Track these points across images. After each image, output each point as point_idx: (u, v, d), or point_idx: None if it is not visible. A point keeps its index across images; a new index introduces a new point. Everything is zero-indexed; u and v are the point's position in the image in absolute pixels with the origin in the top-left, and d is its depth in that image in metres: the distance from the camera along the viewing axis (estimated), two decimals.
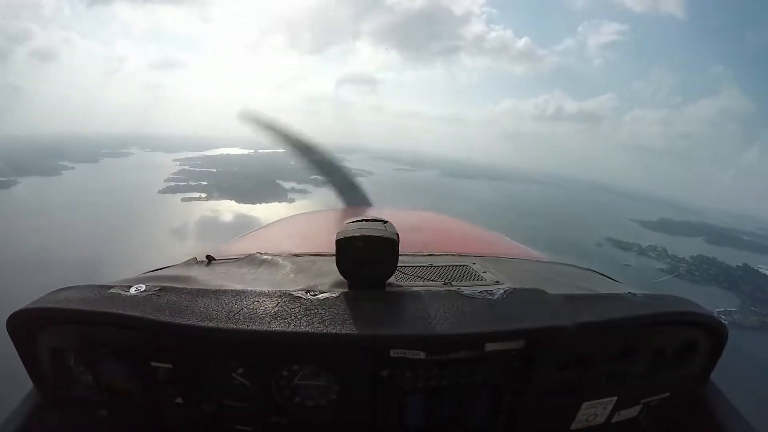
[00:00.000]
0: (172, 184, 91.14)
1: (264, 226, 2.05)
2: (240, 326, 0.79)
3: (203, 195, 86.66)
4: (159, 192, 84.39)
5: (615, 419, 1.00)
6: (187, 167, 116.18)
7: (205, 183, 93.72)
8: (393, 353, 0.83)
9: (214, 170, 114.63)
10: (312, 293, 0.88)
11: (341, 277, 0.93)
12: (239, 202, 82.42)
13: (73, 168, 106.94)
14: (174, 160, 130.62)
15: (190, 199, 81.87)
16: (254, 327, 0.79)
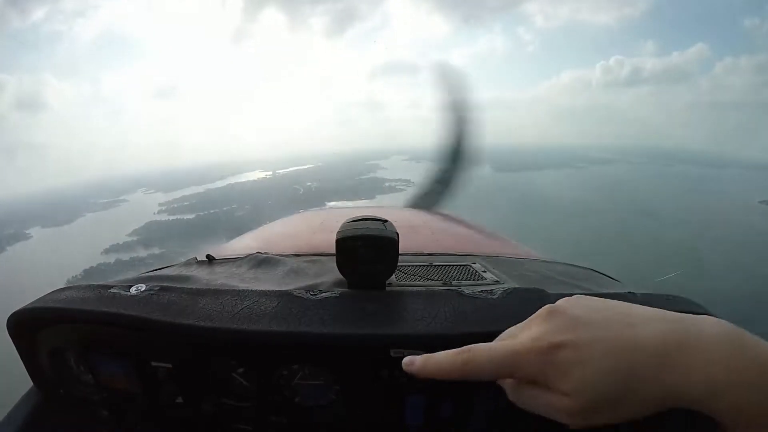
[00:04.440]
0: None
1: (264, 226, 2.03)
2: (240, 326, 0.78)
3: None
4: None
5: None
6: (161, 217, 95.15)
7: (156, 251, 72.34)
8: (393, 353, 0.82)
9: (191, 216, 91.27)
10: (312, 293, 0.87)
11: (341, 277, 0.93)
12: None
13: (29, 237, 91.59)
14: (160, 205, 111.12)
15: None
16: (254, 327, 0.78)
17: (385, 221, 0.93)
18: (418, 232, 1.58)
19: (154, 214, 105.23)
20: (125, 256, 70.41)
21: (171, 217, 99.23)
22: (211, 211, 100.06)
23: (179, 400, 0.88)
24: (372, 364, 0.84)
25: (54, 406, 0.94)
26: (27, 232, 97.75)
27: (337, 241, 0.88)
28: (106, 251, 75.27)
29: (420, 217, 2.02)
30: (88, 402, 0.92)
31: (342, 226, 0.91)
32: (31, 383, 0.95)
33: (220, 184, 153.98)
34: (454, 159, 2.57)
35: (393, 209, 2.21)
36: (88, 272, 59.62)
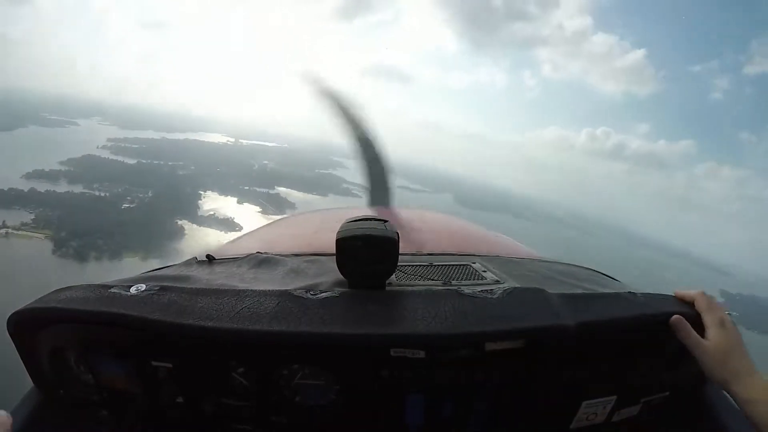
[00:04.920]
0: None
1: (264, 226, 2.05)
2: (240, 326, 0.78)
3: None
4: None
5: (615, 418, 1.01)
6: (102, 153, 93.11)
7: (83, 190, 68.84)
8: (393, 353, 0.83)
9: (132, 162, 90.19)
10: (312, 293, 0.87)
11: (341, 277, 0.93)
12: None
13: None
14: (108, 140, 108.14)
15: None
16: (254, 327, 0.78)
17: (386, 221, 0.93)
18: (418, 232, 1.59)
19: (97, 147, 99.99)
20: (43, 187, 65.42)
21: (112, 156, 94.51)
22: (155, 162, 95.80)
23: (179, 400, 0.88)
24: (372, 364, 0.85)
25: (54, 407, 0.94)
26: None
27: (337, 241, 0.88)
28: (28, 176, 69.90)
29: (420, 217, 2.02)
30: (88, 402, 0.92)
31: (342, 226, 0.91)
32: (31, 383, 0.95)
33: (179, 136, 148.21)
34: (372, 162, 2.64)
35: (393, 209, 2.23)
36: None
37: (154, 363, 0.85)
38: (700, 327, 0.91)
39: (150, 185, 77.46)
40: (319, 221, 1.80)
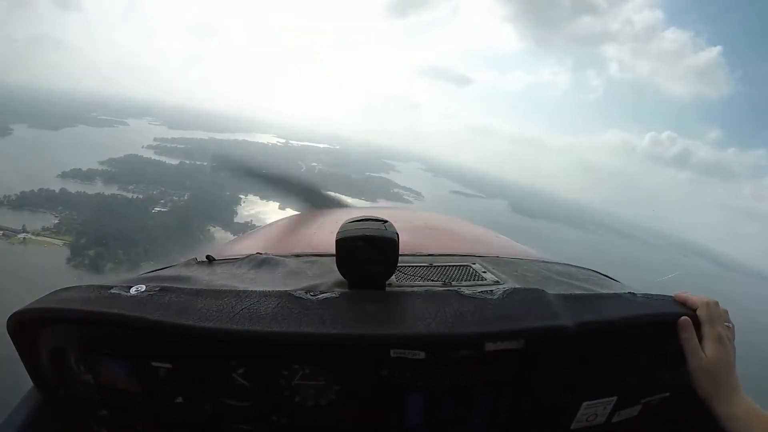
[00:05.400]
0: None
1: (264, 226, 2.08)
2: (240, 326, 0.79)
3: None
4: None
5: (615, 419, 1.00)
6: (146, 153, 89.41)
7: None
8: (393, 353, 0.84)
9: (175, 162, 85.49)
10: (312, 293, 0.88)
11: (341, 277, 0.94)
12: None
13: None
14: (155, 140, 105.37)
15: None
16: (254, 327, 0.79)
17: (385, 221, 0.93)
18: (418, 233, 1.58)
19: (142, 147, 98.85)
20: (75, 188, 62.48)
21: (155, 156, 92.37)
22: (197, 163, 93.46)
23: (179, 400, 0.88)
24: (372, 364, 0.85)
25: (54, 407, 0.94)
26: (11, 127, 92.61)
27: (337, 242, 0.88)
28: (63, 175, 67.52)
29: (420, 217, 2.01)
30: (88, 402, 0.93)
31: (342, 227, 0.91)
32: (31, 383, 0.95)
33: (227, 136, 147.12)
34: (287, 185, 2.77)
35: (393, 209, 2.28)
36: (20, 198, 53.38)
37: (154, 363, 0.86)
38: (698, 330, 0.93)
39: (188, 187, 71.89)
40: (319, 221, 1.83)
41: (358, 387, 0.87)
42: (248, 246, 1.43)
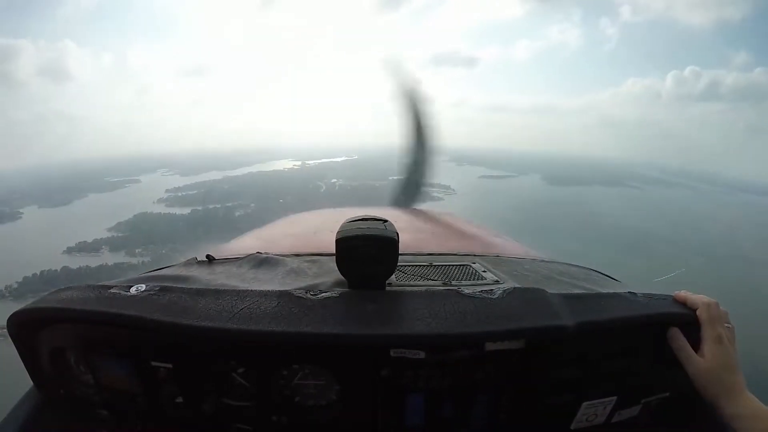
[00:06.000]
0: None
1: (264, 226, 2.06)
2: (240, 326, 0.79)
3: None
4: None
5: (615, 419, 1.01)
6: (156, 207, 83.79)
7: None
8: (393, 353, 0.84)
9: (186, 212, 79.29)
10: (312, 293, 0.88)
11: (341, 277, 0.94)
12: None
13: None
14: (166, 191, 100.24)
15: None
16: (254, 327, 0.79)
17: (386, 221, 0.93)
18: (418, 232, 1.59)
19: (153, 203, 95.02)
20: (77, 263, 58.17)
21: (166, 210, 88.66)
22: (210, 207, 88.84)
23: (179, 400, 0.88)
24: (372, 364, 0.85)
25: (54, 407, 0.94)
26: (20, 211, 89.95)
27: (337, 241, 0.88)
28: (69, 250, 64.59)
29: (420, 217, 2.02)
30: (88, 402, 0.93)
31: (342, 226, 0.91)
32: (31, 383, 0.95)
33: (241, 171, 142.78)
34: (418, 156, 2.59)
35: (393, 209, 2.24)
36: (21, 285, 47.92)
37: (154, 363, 0.86)
38: (697, 331, 0.92)
39: (199, 237, 64.56)
40: (319, 221, 1.82)
41: (359, 387, 0.87)
42: (248, 245, 1.42)
